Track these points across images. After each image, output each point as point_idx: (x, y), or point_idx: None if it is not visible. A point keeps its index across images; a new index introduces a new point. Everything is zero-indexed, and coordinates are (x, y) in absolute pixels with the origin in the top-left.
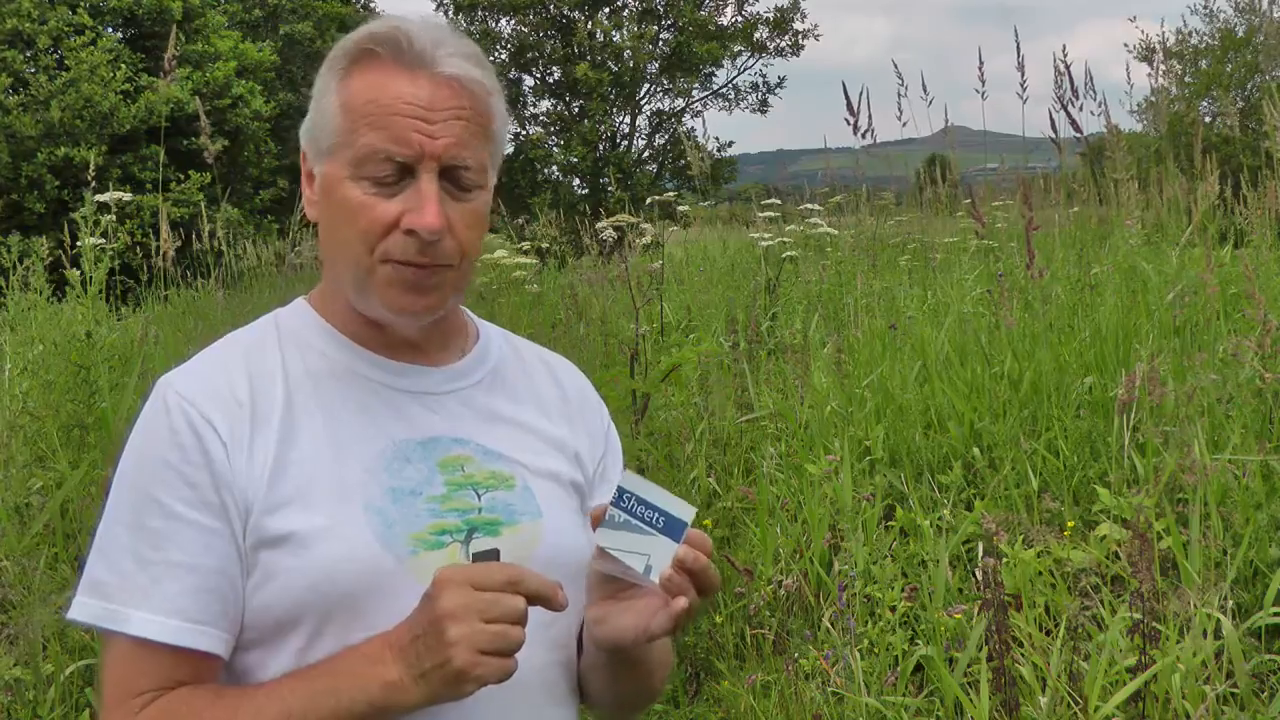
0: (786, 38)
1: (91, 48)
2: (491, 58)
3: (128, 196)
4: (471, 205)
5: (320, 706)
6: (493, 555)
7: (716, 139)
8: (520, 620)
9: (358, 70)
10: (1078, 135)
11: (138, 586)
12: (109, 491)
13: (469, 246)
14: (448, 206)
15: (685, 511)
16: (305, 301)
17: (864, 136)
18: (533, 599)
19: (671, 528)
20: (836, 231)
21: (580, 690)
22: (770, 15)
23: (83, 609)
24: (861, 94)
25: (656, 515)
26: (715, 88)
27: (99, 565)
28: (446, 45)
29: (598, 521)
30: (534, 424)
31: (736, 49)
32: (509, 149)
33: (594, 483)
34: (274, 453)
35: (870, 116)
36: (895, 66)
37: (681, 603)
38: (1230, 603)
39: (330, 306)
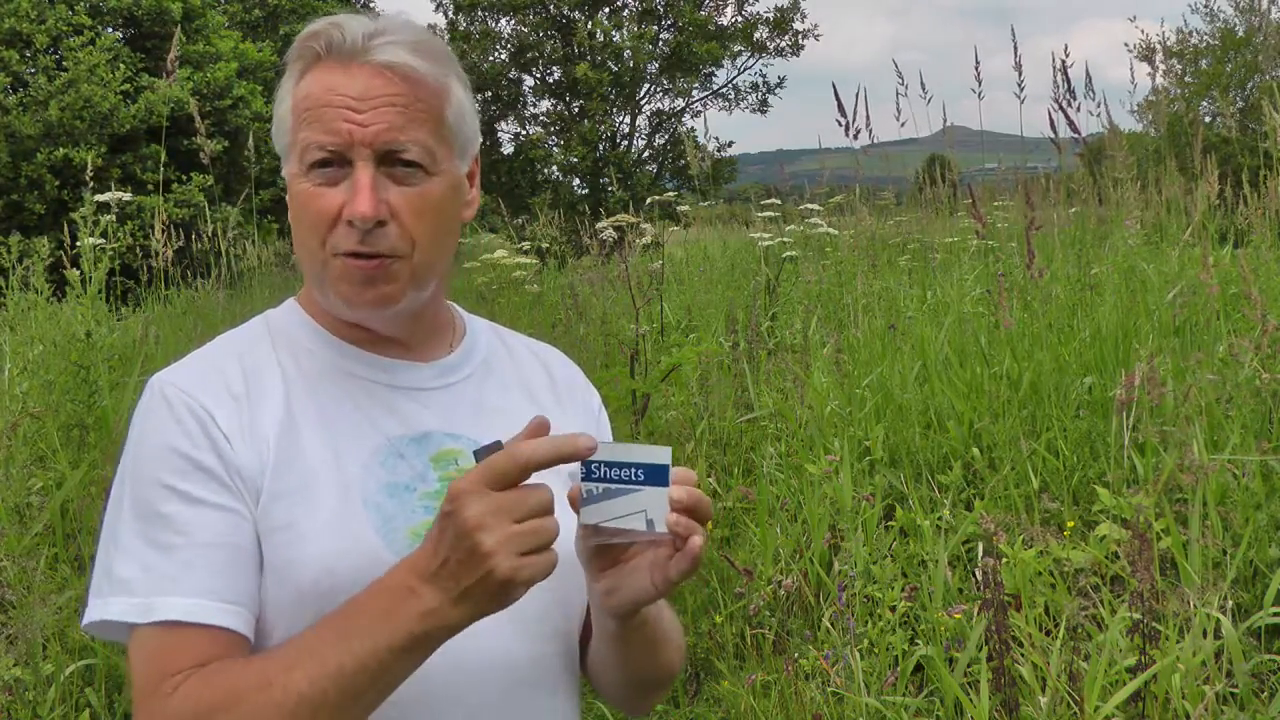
0: (786, 38)
1: (90, 48)
2: (491, 58)
3: (128, 197)
4: (418, 190)
5: (358, 650)
6: (496, 448)
7: (716, 139)
8: (549, 509)
9: (306, 73)
10: (1075, 136)
11: (164, 574)
12: (111, 493)
13: (419, 234)
14: (389, 193)
15: (662, 455)
16: (295, 302)
17: (856, 138)
18: (555, 463)
19: (655, 475)
20: (836, 231)
21: (596, 681)
22: (770, 15)
23: (108, 608)
24: (858, 95)
25: (635, 470)
26: (715, 88)
27: (119, 563)
28: (383, 35)
29: (576, 504)
30: (526, 414)
31: (736, 49)
32: (509, 149)
33: None
34: (275, 445)
35: (868, 117)
36: (896, 66)
37: (697, 540)
38: (1230, 603)
39: (317, 307)
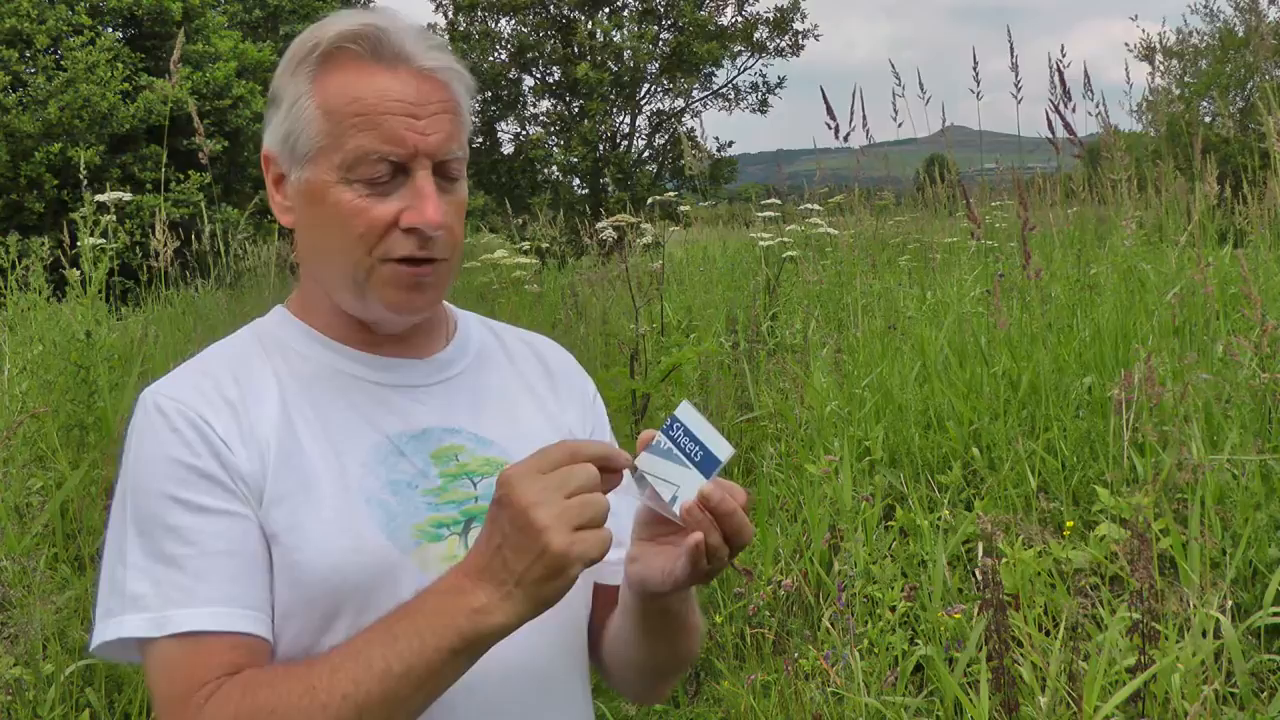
0: (786, 38)
1: (90, 47)
2: (491, 58)
3: (128, 196)
4: (459, 197)
5: (404, 651)
6: None
7: (716, 139)
8: (597, 486)
9: (333, 69)
10: (1071, 138)
11: (179, 586)
12: (111, 511)
13: (458, 238)
14: (441, 200)
15: (723, 450)
16: (284, 308)
17: (846, 140)
18: (604, 461)
19: (706, 463)
20: (836, 232)
21: (609, 663)
22: (770, 15)
23: (123, 626)
24: (855, 96)
25: (697, 449)
26: (715, 88)
27: (129, 580)
28: (420, 38)
29: (644, 445)
30: (523, 405)
31: (736, 49)
32: (509, 149)
33: None
34: (275, 448)
35: (865, 117)
36: (892, 66)
37: (697, 536)
38: (1229, 603)
39: (312, 311)
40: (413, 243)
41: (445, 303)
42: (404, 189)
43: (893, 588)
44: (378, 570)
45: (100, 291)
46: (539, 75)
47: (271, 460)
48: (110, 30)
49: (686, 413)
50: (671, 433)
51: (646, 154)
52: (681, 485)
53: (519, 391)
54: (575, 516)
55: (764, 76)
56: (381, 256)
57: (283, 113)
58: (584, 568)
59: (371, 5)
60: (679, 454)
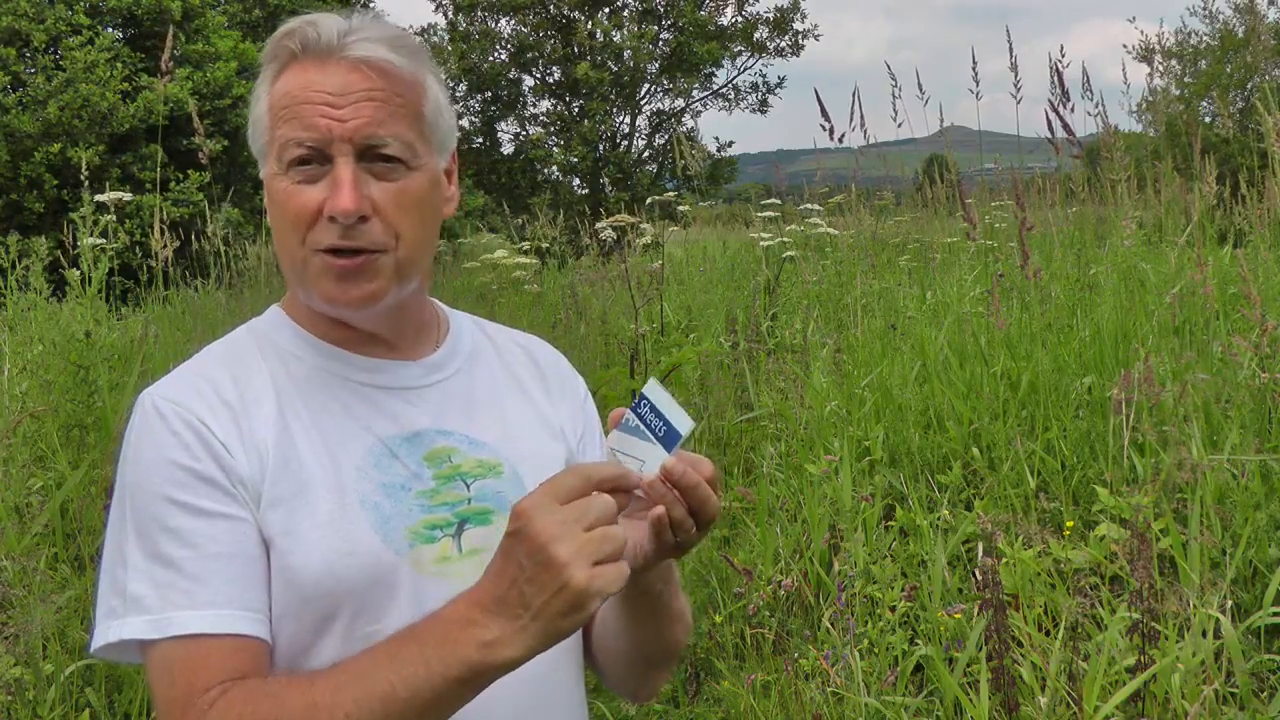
0: (786, 38)
1: (89, 47)
2: (491, 58)
3: (128, 196)
4: (399, 185)
5: (410, 677)
6: None
7: (716, 139)
8: (614, 518)
9: (282, 73)
10: (1070, 138)
11: (180, 589)
12: (111, 513)
13: (403, 228)
14: (371, 188)
15: (684, 424)
16: (279, 308)
17: (841, 141)
18: (617, 485)
19: (668, 438)
20: (836, 232)
21: (602, 659)
22: (770, 15)
23: (125, 628)
24: (854, 96)
25: (661, 424)
26: (715, 88)
27: (131, 582)
28: (359, 31)
29: (615, 422)
30: (516, 407)
31: (736, 49)
32: (509, 149)
33: (578, 454)
34: (272, 451)
35: (863, 118)
36: (889, 67)
37: (658, 510)
38: (1229, 602)
39: (300, 311)
40: (334, 232)
41: (438, 304)
42: (329, 178)
43: (893, 588)
44: (372, 572)
45: (100, 291)
46: (539, 75)
47: (269, 463)
48: (109, 30)
49: (653, 390)
50: (639, 410)
51: (646, 154)
52: (646, 461)
53: (511, 393)
54: (595, 551)
55: (764, 76)
56: (312, 246)
57: (249, 118)
58: (602, 602)
59: (372, 6)
60: (645, 430)
